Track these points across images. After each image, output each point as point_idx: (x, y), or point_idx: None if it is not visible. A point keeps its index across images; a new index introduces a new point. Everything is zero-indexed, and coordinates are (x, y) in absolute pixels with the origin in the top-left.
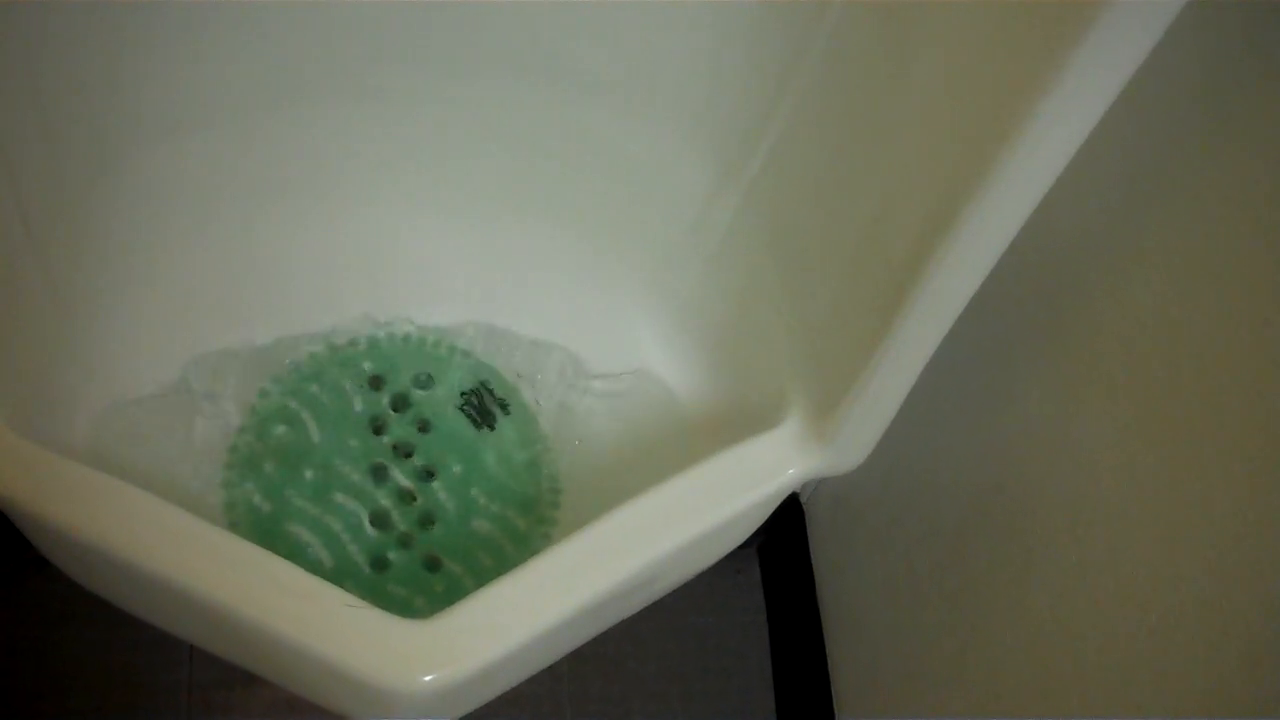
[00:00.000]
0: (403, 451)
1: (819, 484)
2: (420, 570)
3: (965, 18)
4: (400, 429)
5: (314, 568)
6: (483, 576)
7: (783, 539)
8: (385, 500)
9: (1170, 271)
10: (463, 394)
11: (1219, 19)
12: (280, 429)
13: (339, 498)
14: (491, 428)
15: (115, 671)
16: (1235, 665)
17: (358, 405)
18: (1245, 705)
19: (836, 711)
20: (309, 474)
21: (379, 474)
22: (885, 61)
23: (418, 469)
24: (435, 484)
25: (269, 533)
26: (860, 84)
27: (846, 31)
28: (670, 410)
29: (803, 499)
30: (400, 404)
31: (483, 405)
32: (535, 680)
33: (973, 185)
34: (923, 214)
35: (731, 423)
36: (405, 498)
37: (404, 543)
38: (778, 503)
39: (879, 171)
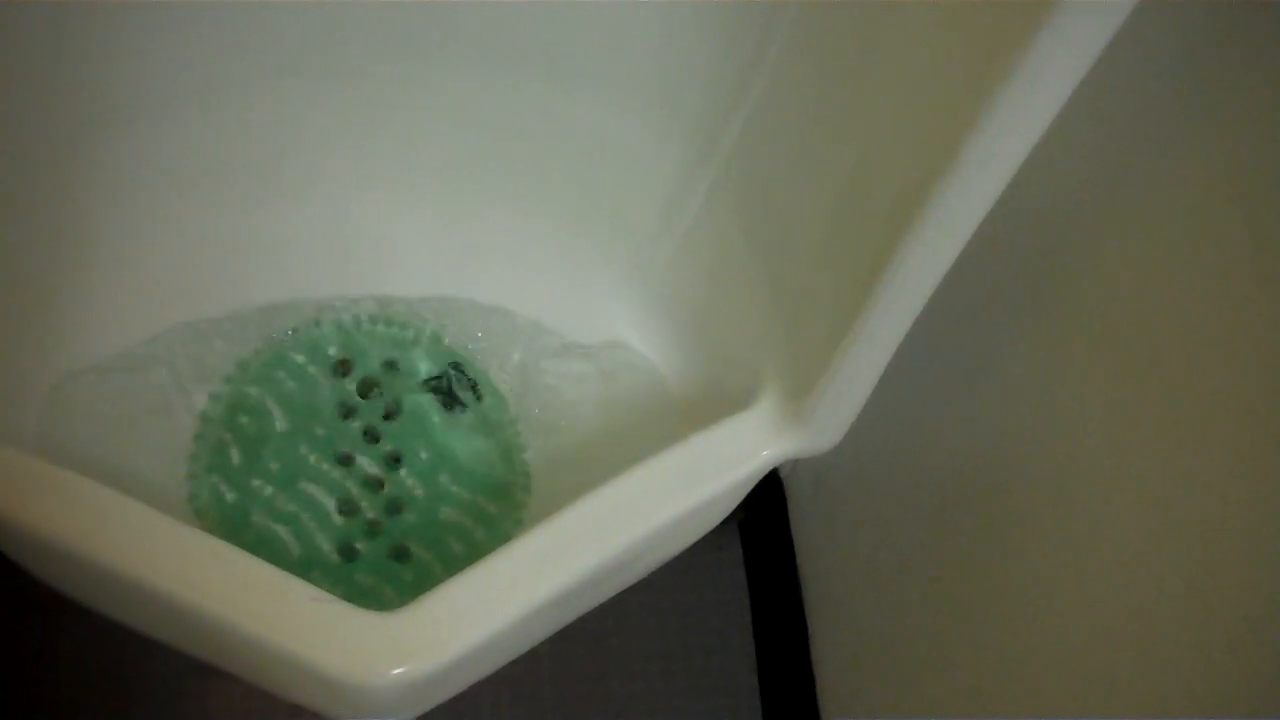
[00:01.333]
0: (371, 437)
1: (799, 461)
2: (389, 559)
3: None
4: (367, 415)
5: (281, 558)
6: (453, 564)
7: (764, 516)
8: (353, 488)
9: (1151, 246)
10: (431, 378)
11: None
12: (245, 417)
13: (306, 486)
14: (460, 412)
15: (90, 661)
16: (1220, 647)
17: (324, 391)
18: (1230, 689)
19: (819, 690)
20: (275, 463)
21: (346, 461)
22: (854, 39)
23: (385, 455)
24: (403, 470)
25: (235, 523)
26: (830, 62)
27: (815, 8)
28: (644, 392)
29: (783, 475)
30: (368, 389)
31: (451, 389)
32: (515, 658)
33: (944, 162)
34: (893, 192)
35: (707, 404)
36: (373, 485)
37: (372, 531)
38: (753, 484)
39: (849, 150)
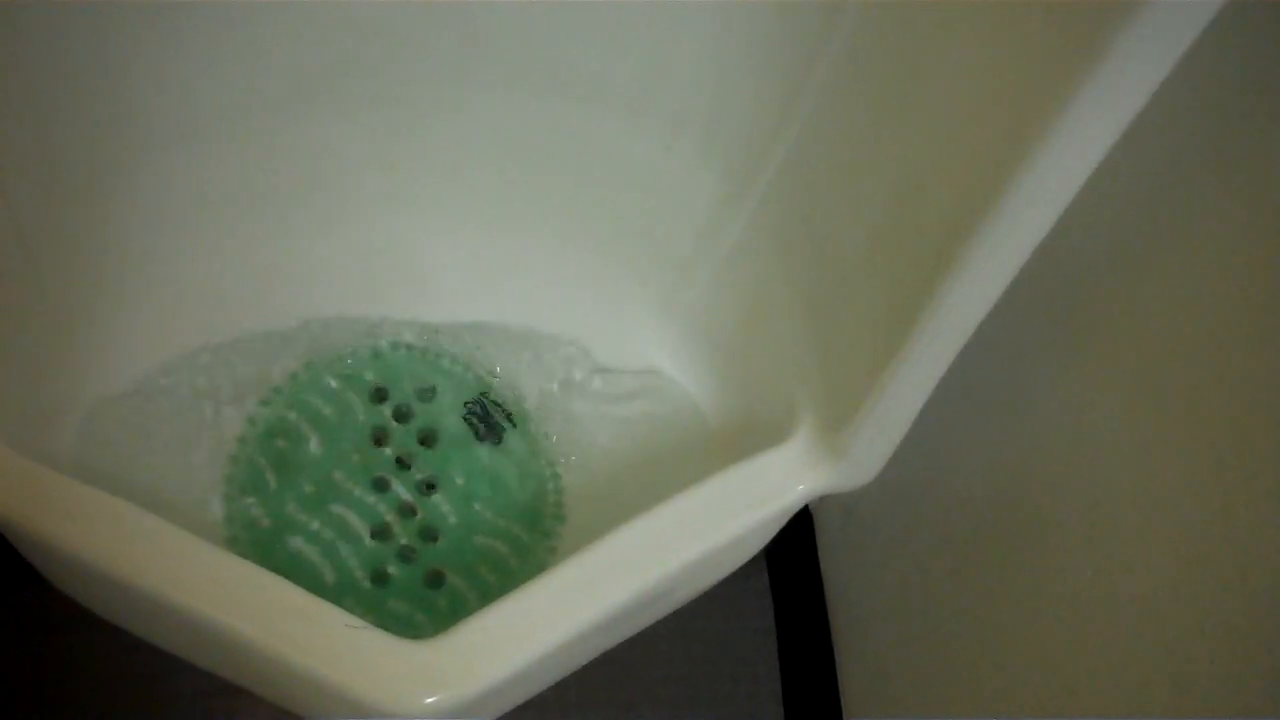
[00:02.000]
0: (405, 464)
1: None
2: (422, 586)
3: (985, 20)
4: (402, 441)
5: (314, 582)
6: (486, 592)
7: (792, 545)
8: (387, 514)
9: (1188, 281)
10: (466, 404)
11: (1253, 22)
12: (280, 441)
13: (340, 511)
14: (497, 440)
15: (118, 678)
16: (1259, 688)
17: (359, 417)
18: None
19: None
20: (309, 487)
21: (380, 487)
22: (901, 67)
23: (419, 482)
24: (437, 497)
25: (269, 547)
26: (875, 91)
27: (861, 37)
28: (679, 423)
29: (812, 506)
30: (403, 416)
31: (487, 416)
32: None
33: (993, 194)
34: (939, 224)
35: (742, 437)
36: (407, 511)
37: (405, 557)
38: (788, 517)
39: (894, 180)
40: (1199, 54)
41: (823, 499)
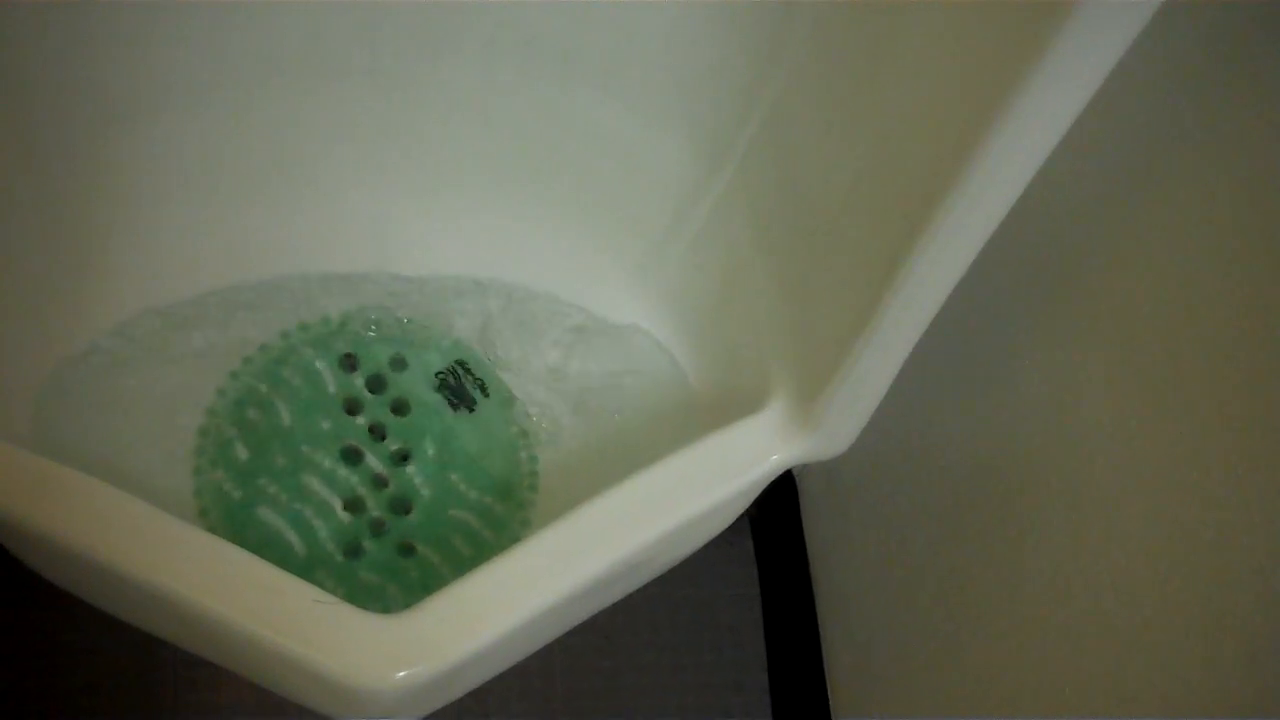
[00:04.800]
0: (378, 435)
1: None
2: (394, 557)
3: None
4: (375, 411)
5: (285, 555)
6: (459, 563)
7: (776, 512)
8: (359, 486)
9: (1170, 250)
10: (438, 374)
11: None
12: (251, 412)
13: (311, 483)
14: (470, 409)
15: (104, 647)
16: (1232, 658)
17: (330, 387)
18: (1242, 700)
19: (829, 686)
20: (280, 459)
21: (352, 458)
22: (870, 42)
23: (393, 453)
24: (410, 468)
25: (239, 520)
26: (845, 65)
27: (831, 8)
28: (653, 394)
29: (796, 472)
30: (376, 385)
31: (460, 386)
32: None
33: (959, 166)
34: (907, 198)
35: (717, 407)
36: (379, 483)
37: (377, 529)
38: (762, 488)
39: (864, 153)
40: (1175, 20)
41: (806, 466)
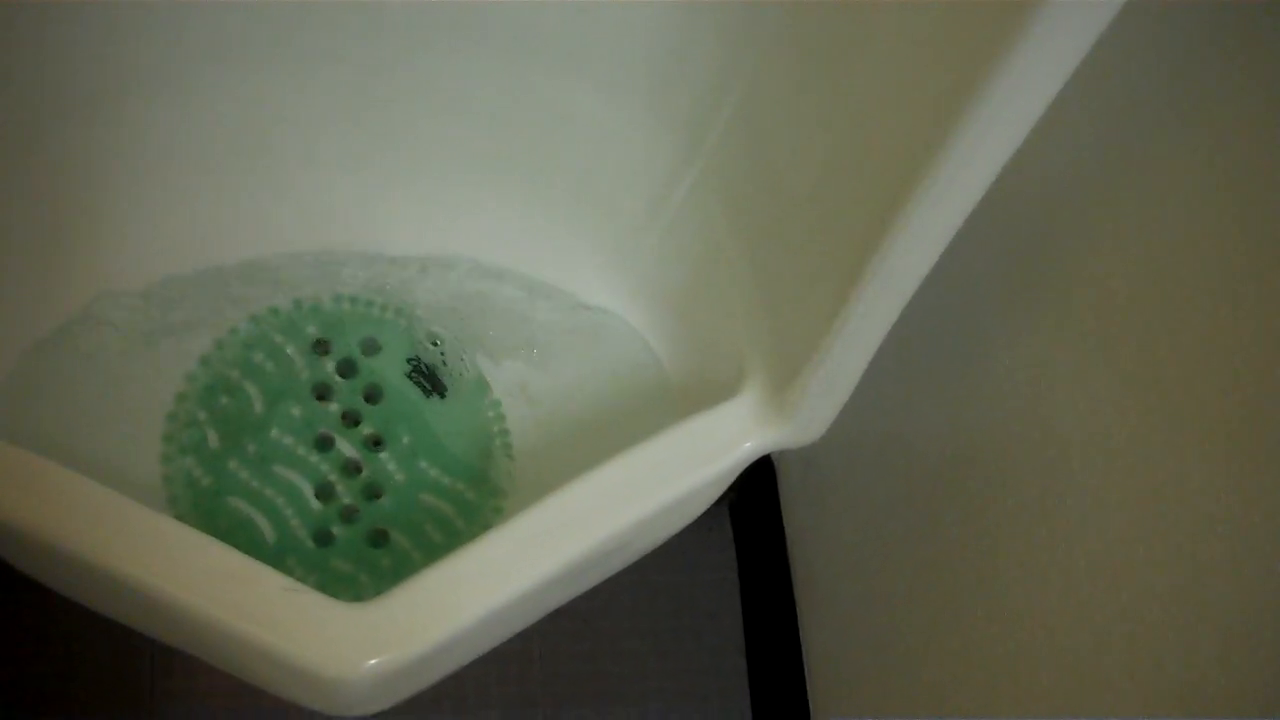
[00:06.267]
0: (351, 420)
1: None
2: (365, 545)
3: None
4: (347, 397)
5: (256, 543)
6: (431, 551)
7: (754, 498)
8: (330, 472)
9: (1145, 242)
10: (409, 360)
11: None
12: (221, 398)
13: (283, 470)
14: (442, 395)
15: (79, 634)
16: (1208, 650)
17: (302, 373)
18: (1217, 692)
19: (807, 672)
20: (251, 446)
21: (324, 444)
22: (843, 28)
23: (365, 438)
24: (383, 454)
25: (209, 508)
26: (816, 53)
27: None
28: (628, 381)
29: (774, 457)
30: (347, 370)
31: (432, 372)
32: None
33: (930, 153)
34: (878, 185)
35: (691, 394)
36: (350, 469)
37: (349, 516)
38: (736, 474)
39: (835, 140)
40: (1150, 5)
41: (785, 452)
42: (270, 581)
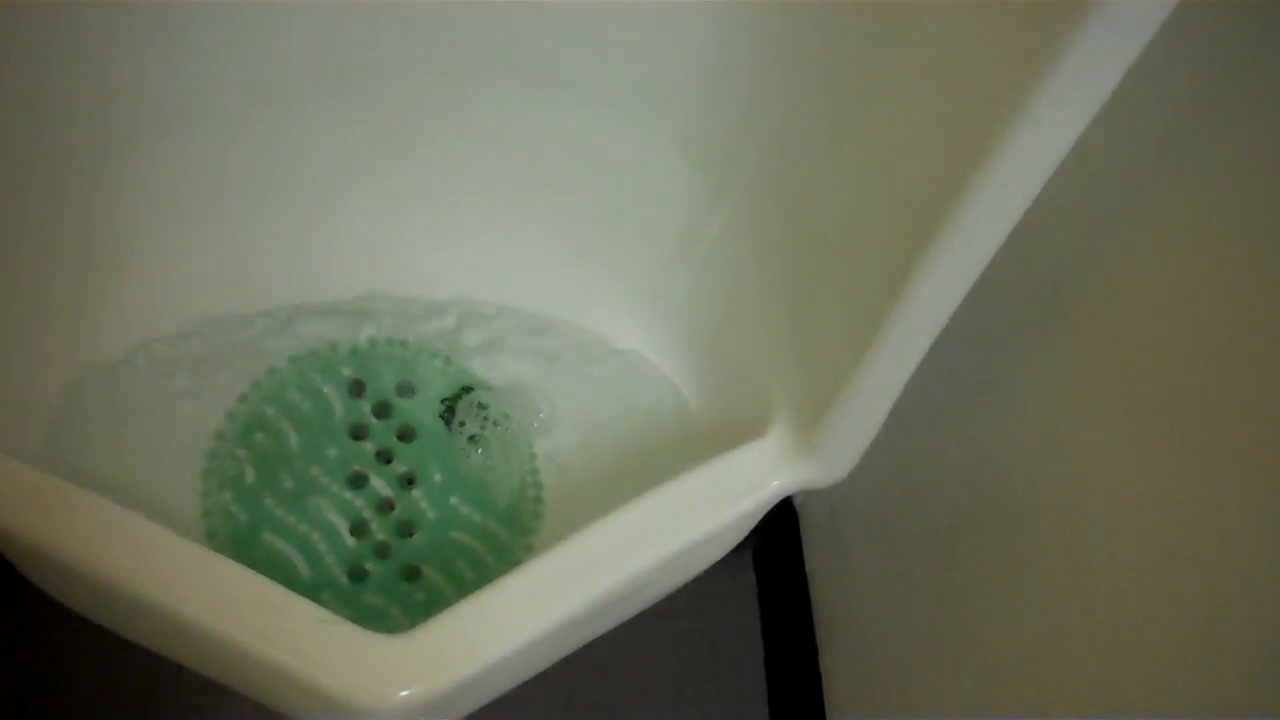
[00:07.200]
0: (384, 459)
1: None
2: (399, 580)
3: (956, 13)
4: (381, 436)
5: (291, 578)
6: (463, 587)
7: (777, 543)
8: (364, 509)
9: (1167, 274)
10: (443, 400)
11: (1220, 14)
12: (259, 436)
13: (318, 507)
14: (474, 437)
15: (106, 672)
16: (1232, 683)
17: (338, 412)
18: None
19: (830, 718)
20: (288, 482)
21: (358, 482)
22: (870, 61)
23: (398, 477)
24: (416, 492)
25: (246, 543)
26: (846, 87)
27: (831, 32)
28: (656, 421)
29: (797, 504)
30: (382, 411)
31: (463, 413)
32: (525, 682)
33: (960, 193)
34: (909, 222)
35: (718, 433)
36: (384, 507)
37: (382, 552)
38: (762, 514)
39: (866, 176)
40: (1178, 42)
41: (808, 497)
42: (306, 612)
